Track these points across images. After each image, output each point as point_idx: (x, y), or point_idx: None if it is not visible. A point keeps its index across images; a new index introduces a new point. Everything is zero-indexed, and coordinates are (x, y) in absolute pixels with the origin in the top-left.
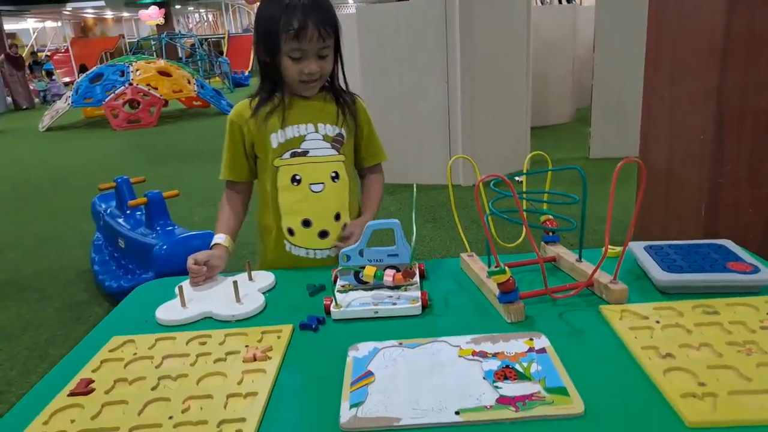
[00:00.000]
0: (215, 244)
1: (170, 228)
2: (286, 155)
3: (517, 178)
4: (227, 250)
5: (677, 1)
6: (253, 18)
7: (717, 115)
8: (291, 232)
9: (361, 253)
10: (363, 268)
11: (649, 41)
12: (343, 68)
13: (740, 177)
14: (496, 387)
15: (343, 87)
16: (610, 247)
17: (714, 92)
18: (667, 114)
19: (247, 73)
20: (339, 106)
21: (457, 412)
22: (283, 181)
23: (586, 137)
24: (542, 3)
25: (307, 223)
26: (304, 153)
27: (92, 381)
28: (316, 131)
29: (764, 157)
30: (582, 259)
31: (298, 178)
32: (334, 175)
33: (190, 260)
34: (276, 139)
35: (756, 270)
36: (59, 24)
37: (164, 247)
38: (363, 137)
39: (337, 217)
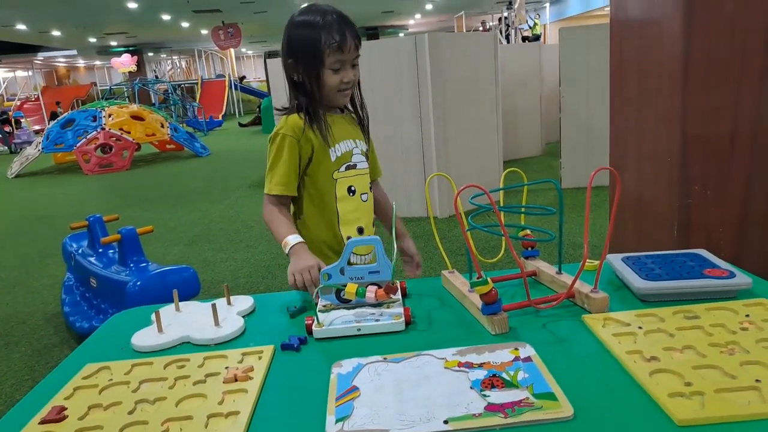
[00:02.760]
0: (298, 243)
1: (144, 264)
2: (342, 168)
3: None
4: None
5: (637, 30)
6: (225, 64)
7: (682, 139)
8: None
9: (342, 271)
10: (344, 286)
11: (612, 71)
12: (359, 83)
13: (708, 197)
14: (484, 395)
15: (362, 103)
16: (588, 261)
17: (678, 116)
18: (635, 139)
19: (219, 119)
20: (361, 124)
21: (445, 422)
22: (341, 192)
23: (557, 168)
24: (508, 42)
25: (361, 231)
26: (354, 165)
27: (65, 408)
28: (357, 146)
29: (729, 179)
30: (562, 272)
31: (353, 189)
32: (370, 185)
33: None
34: (334, 153)
35: (732, 275)
36: (30, 73)
37: (138, 283)
38: (370, 154)
39: (374, 223)
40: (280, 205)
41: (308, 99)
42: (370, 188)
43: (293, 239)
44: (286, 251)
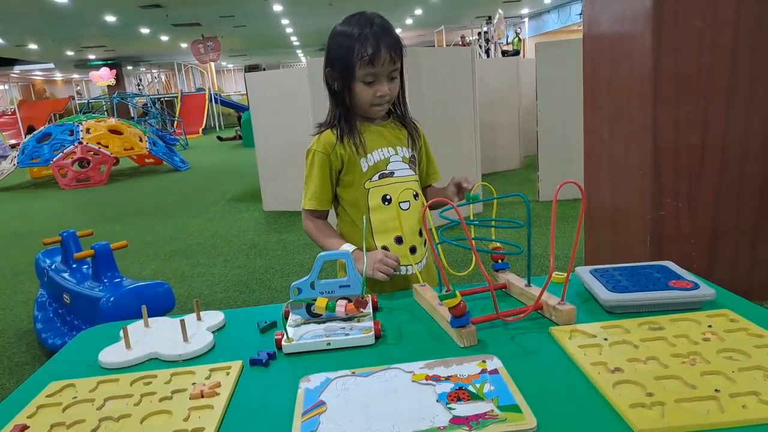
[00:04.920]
0: (354, 250)
1: (118, 280)
2: (375, 177)
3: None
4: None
5: (609, 46)
6: (205, 78)
7: (653, 152)
8: (385, 249)
9: (312, 286)
10: (314, 300)
11: (585, 86)
12: (404, 92)
13: (679, 209)
14: (450, 408)
15: (405, 113)
16: (557, 273)
17: (649, 130)
18: (608, 153)
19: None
20: (408, 130)
21: None
22: (375, 201)
23: (535, 181)
24: (487, 56)
25: (399, 240)
26: (391, 174)
27: (27, 427)
28: (396, 154)
29: (700, 191)
30: (531, 284)
31: (388, 197)
32: (415, 194)
33: (381, 255)
34: (366, 163)
35: (696, 286)
36: (6, 87)
37: (111, 299)
38: (423, 159)
39: (420, 233)
40: (317, 219)
41: (343, 109)
42: (415, 195)
43: (349, 247)
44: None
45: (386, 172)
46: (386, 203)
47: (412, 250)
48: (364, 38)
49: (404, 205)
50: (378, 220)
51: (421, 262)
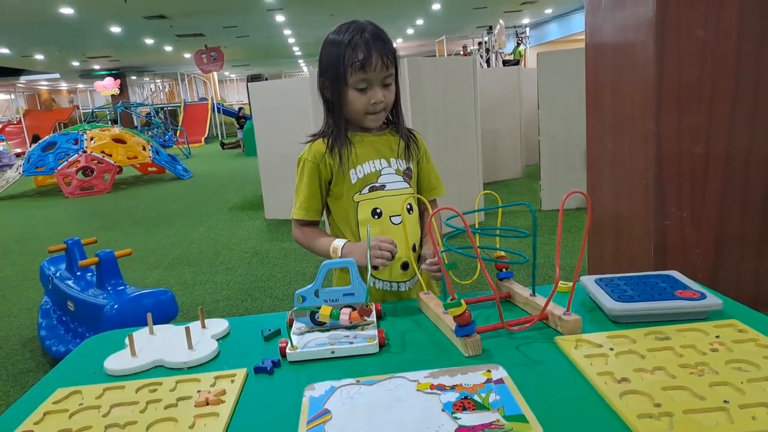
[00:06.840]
0: (345, 243)
1: (122, 288)
2: (365, 190)
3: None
4: None
5: (612, 54)
6: (208, 88)
7: (657, 160)
8: (374, 266)
9: (316, 294)
10: (319, 308)
11: (588, 95)
12: (399, 101)
13: (683, 219)
14: (455, 418)
15: (400, 122)
16: (561, 282)
17: (652, 138)
18: (611, 161)
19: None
20: (404, 141)
21: None
22: (364, 214)
23: (537, 190)
24: (488, 66)
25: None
26: (382, 187)
27: None
28: (389, 166)
29: (704, 200)
30: (536, 294)
31: (378, 211)
32: (408, 207)
33: (375, 242)
34: (355, 175)
35: (703, 296)
36: (12, 96)
37: (115, 306)
38: (422, 171)
39: (414, 248)
40: (304, 227)
41: (337, 118)
42: (409, 209)
43: (339, 242)
44: (339, 255)
45: (377, 185)
46: (376, 217)
47: (404, 266)
48: (354, 44)
49: (396, 219)
50: (365, 234)
51: (413, 278)
